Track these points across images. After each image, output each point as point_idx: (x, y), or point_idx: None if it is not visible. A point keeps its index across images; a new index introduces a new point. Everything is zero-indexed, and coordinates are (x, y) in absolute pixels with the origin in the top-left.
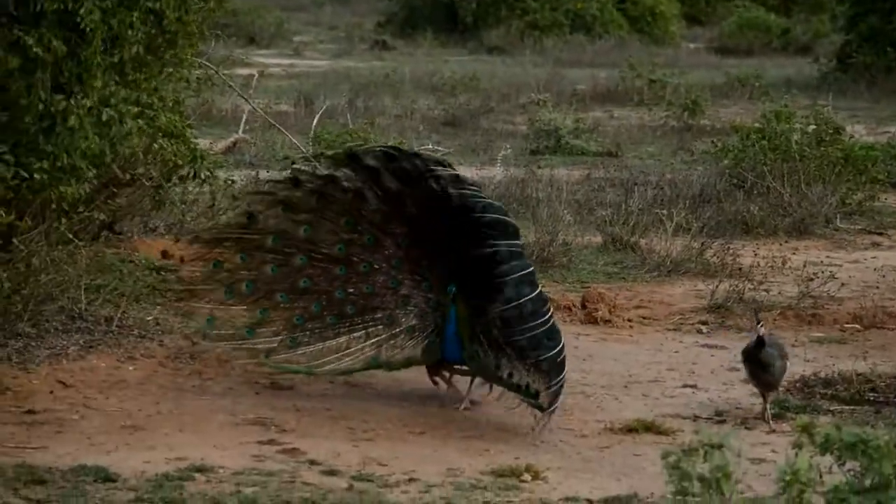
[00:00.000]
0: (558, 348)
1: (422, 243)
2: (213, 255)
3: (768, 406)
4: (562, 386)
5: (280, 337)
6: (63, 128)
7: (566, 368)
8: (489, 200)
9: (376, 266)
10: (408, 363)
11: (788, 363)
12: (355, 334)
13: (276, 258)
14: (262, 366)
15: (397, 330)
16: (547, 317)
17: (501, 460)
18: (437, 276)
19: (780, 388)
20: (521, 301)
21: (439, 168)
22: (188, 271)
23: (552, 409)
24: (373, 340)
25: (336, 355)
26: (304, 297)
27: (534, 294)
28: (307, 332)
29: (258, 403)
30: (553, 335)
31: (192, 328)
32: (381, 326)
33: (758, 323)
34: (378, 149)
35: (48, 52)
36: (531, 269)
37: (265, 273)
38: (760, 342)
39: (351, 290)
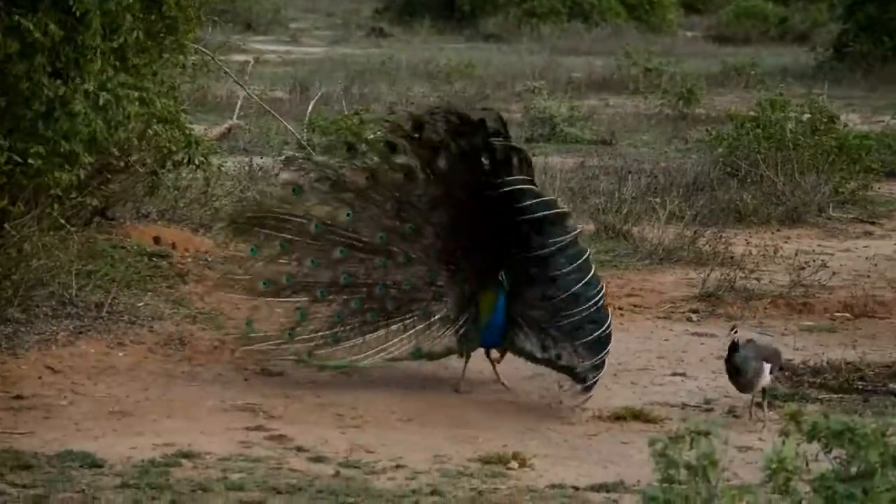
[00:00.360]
0: (605, 326)
1: (463, 232)
2: (250, 239)
3: (756, 402)
4: (604, 362)
5: (320, 334)
6: (63, 113)
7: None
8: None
9: (414, 257)
10: (447, 352)
11: (772, 364)
12: (393, 327)
13: (317, 249)
14: (305, 365)
15: (433, 320)
16: (597, 298)
17: (488, 447)
18: (475, 266)
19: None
20: (575, 289)
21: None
22: (221, 259)
23: (593, 384)
24: (410, 332)
25: (376, 348)
26: (345, 293)
27: (586, 279)
28: (347, 328)
29: (247, 390)
30: (600, 314)
31: (181, 315)
32: (416, 318)
33: (732, 330)
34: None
35: (46, 37)
36: (586, 253)
37: (305, 265)
38: (733, 347)
39: (391, 285)
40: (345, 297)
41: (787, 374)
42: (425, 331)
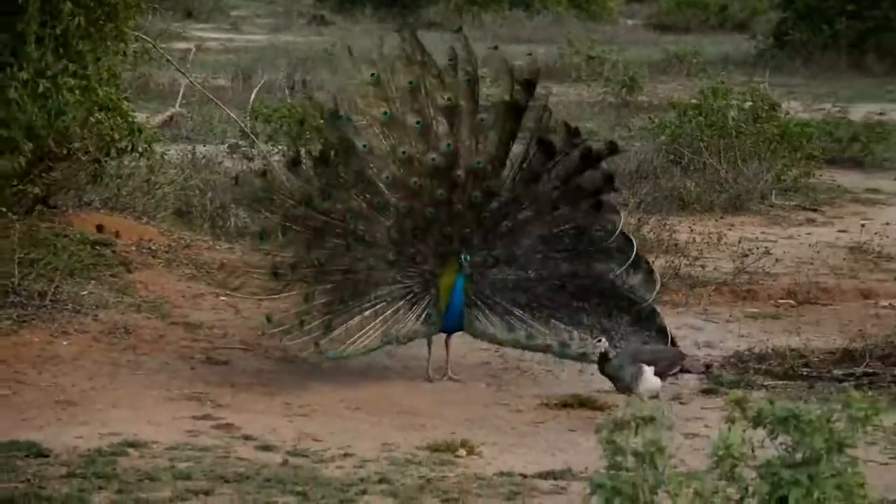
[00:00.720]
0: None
1: (422, 212)
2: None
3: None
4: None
5: (321, 321)
6: (0, 101)
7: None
8: None
9: (377, 238)
10: (414, 336)
11: (658, 367)
12: (366, 314)
13: (304, 232)
14: (317, 356)
15: (398, 305)
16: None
17: (436, 436)
18: (436, 247)
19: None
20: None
21: None
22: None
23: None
24: (380, 318)
25: (357, 335)
26: (329, 276)
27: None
28: (335, 315)
29: (193, 379)
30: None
31: (127, 303)
32: (384, 303)
33: (598, 341)
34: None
35: None
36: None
37: (298, 252)
38: (602, 358)
39: (359, 267)
40: (328, 280)
41: (700, 373)
42: (393, 315)
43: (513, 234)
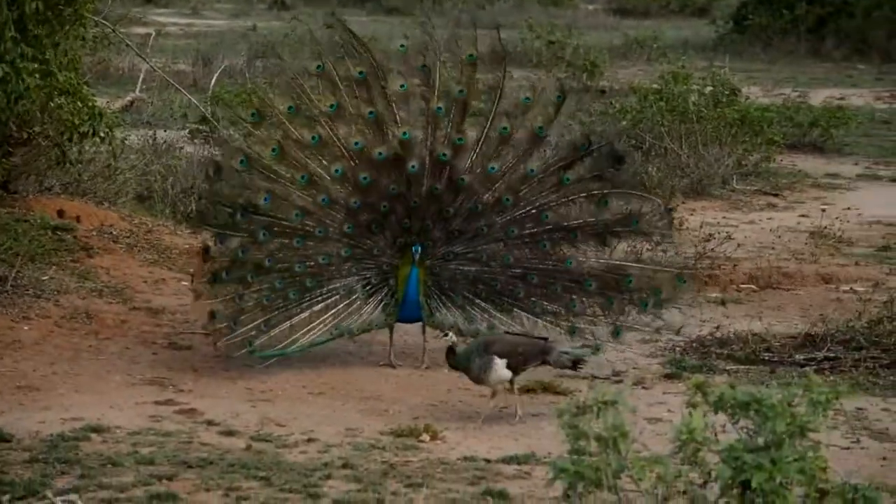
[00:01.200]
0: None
1: (379, 205)
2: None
3: (507, 389)
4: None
5: (257, 322)
6: None
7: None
8: None
9: (329, 232)
10: (368, 327)
11: (512, 359)
12: (315, 308)
13: (242, 238)
14: (250, 355)
15: (353, 297)
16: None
17: (400, 421)
18: (393, 239)
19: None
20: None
21: None
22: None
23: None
24: (332, 312)
25: (302, 331)
26: (269, 276)
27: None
28: (276, 312)
29: (155, 364)
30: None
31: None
32: (337, 297)
33: (444, 335)
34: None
35: None
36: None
37: (236, 255)
38: (449, 352)
39: (310, 263)
40: (269, 279)
41: (566, 368)
42: (346, 308)
43: (473, 225)
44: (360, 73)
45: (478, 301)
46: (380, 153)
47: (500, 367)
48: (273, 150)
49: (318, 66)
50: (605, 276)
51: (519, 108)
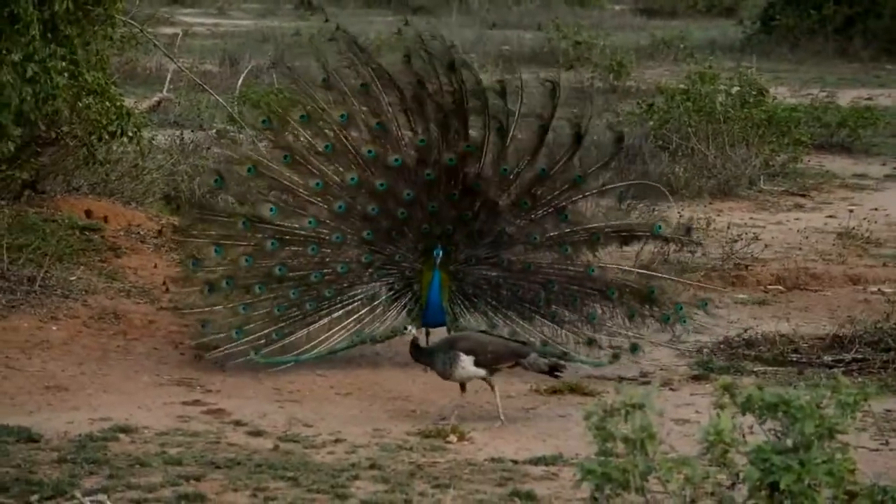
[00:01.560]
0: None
1: (400, 210)
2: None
3: (462, 397)
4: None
5: (266, 331)
6: None
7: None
8: None
9: (347, 239)
10: (392, 333)
11: (479, 356)
12: (336, 314)
13: (248, 246)
14: (255, 363)
15: (376, 303)
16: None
17: (427, 421)
18: (416, 244)
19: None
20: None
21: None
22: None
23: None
24: (354, 318)
25: (320, 338)
26: (282, 285)
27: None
28: (289, 321)
29: (183, 364)
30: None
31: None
32: (359, 303)
33: (405, 329)
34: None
35: None
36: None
37: (240, 265)
38: (412, 345)
39: (326, 272)
40: (282, 289)
41: (542, 372)
42: (369, 314)
43: (493, 228)
44: (363, 84)
45: (501, 307)
46: (396, 159)
47: (467, 364)
48: (285, 157)
49: (324, 79)
50: (628, 285)
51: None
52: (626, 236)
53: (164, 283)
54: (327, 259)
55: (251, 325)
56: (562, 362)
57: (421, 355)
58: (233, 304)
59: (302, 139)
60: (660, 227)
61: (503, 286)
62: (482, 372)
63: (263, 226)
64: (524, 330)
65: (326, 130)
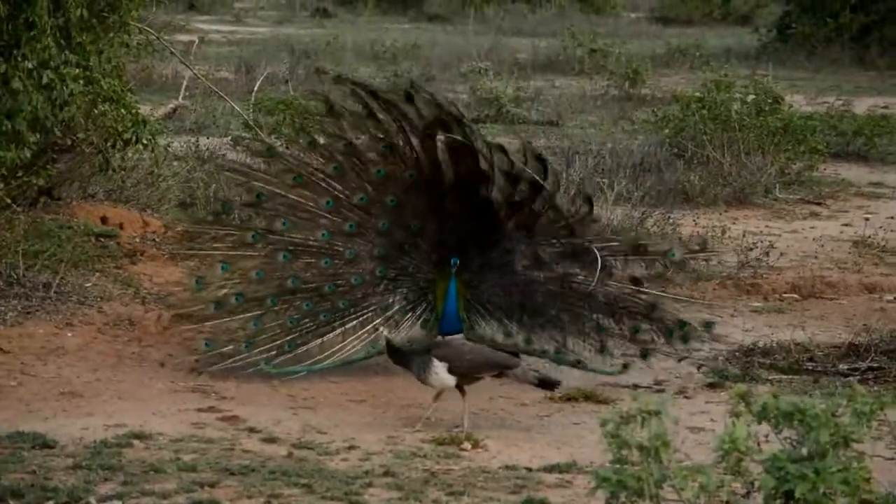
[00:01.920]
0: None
1: (413, 220)
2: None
3: (433, 402)
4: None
5: (278, 343)
6: (6, 91)
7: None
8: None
9: (361, 251)
10: (409, 344)
11: (452, 363)
12: (350, 325)
13: (259, 259)
14: (266, 373)
15: (390, 313)
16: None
17: (442, 429)
18: (430, 253)
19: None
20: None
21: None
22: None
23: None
24: (368, 327)
25: (334, 348)
26: (295, 297)
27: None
28: (302, 332)
29: (197, 371)
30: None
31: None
32: (373, 313)
33: (378, 329)
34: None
35: None
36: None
37: (250, 279)
38: (387, 345)
39: (340, 283)
40: (296, 301)
41: (530, 384)
42: (384, 324)
43: (508, 239)
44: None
45: (514, 314)
46: (411, 174)
47: (440, 370)
48: (296, 177)
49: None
50: (634, 302)
51: None
52: (637, 258)
53: (157, 319)
54: (341, 271)
55: (262, 337)
56: (555, 379)
57: (398, 358)
58: (242, 318)
59: (311, 162)
60: (673, 254)
61: (515, 294)
62: (454, 380)
63: (275, 237)
64: (538, 337)
65: (333, 154)
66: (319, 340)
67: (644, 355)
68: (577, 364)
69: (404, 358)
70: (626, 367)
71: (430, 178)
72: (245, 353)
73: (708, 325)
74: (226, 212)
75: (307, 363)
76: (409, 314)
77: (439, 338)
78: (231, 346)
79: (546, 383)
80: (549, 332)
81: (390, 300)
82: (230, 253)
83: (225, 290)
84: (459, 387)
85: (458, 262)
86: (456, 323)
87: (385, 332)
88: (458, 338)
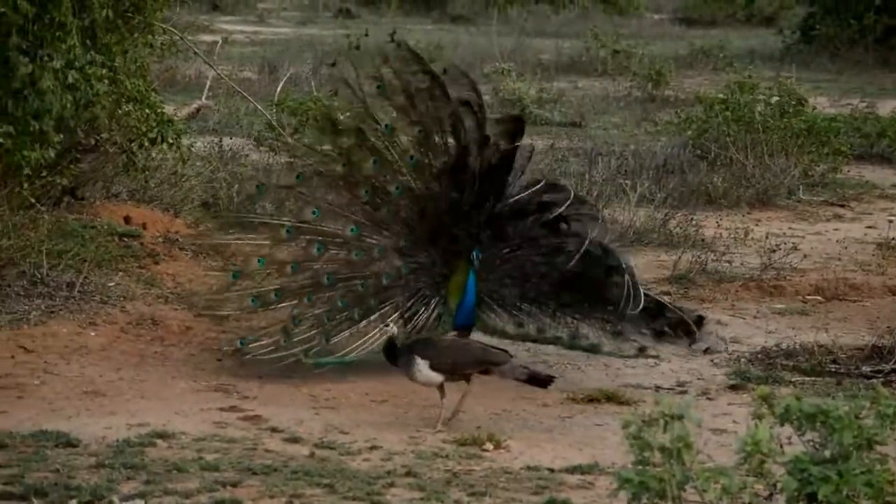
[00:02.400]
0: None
1: (432, 215)
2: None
3: (441, 401)
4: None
5: (314, 332)
6: (32, 92)
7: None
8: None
9: (387, 246)
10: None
11: (432, 360)
12: (373, 318)
13: (293, 251)
14: (304, 365)
15: (408, 306)
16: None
17: (463, 429)
18: (445, 248)
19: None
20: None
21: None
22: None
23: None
24: (388, 321)
25: (360, 341)
26: (331, 292)
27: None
28: (335, 324)
29: (220, 370)
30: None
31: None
32: (392, 307)
33: (385, 326)
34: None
35: (17, 14)
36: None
37: (286, 273)
38: (387, 344)
39: (372, 279)
40: (330, 295)
41: (522, 381)
42: (398, 319)
43: (521, 232)
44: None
45: (524, 304)
46: (444, 161)
47: (422, 367)
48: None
49: (379, 86)
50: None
51: None
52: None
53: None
54: (373, 268)
55: (299, 330)
56: (546, 375)
57: (389, 356)
58: (279, 313)
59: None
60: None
61: (524, 284)
62: (440, 377)
63: (307, 227)
64: (550, 326)
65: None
66: (347, 333)
67: (643, 349)
68: (592, 348)
69: (394, 356)
70: (642, 350)
71: (457, 169)
72: (284, 346)
73: (699, 319)
74: (261, 194)
75: (339, 355)
76: (424, 309)
77: (452, 333)
78: (269, 339)
79: (537, 380)
80: (559, 320)
81: (409, 294)
82: (264, 242)
83: (265, 287)
84: (441, 385)
85: (479, 254)
86: (472, 317)
87: (391, 330)
88: (451, 335)
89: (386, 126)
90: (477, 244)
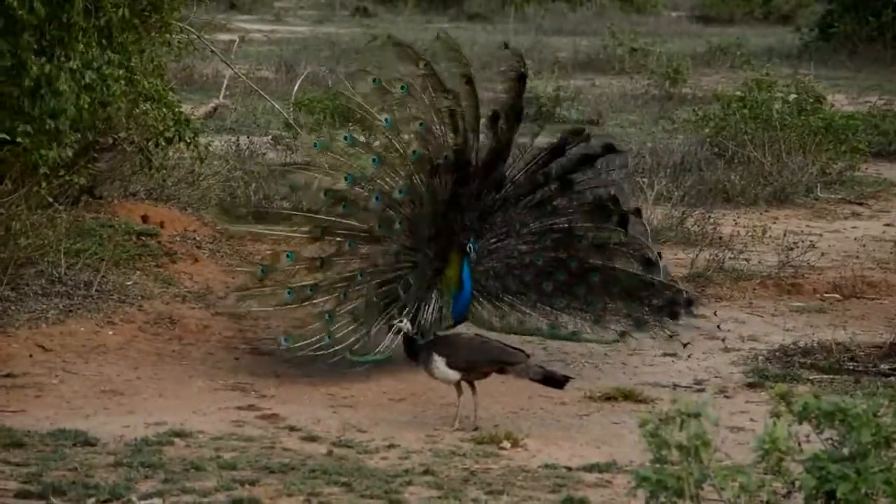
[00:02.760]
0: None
1: (435, 209)
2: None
3: (458, 399)
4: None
5: (352, 328)
6: (49, 91)
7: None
8: None
9: (403, 244)
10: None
11: (449, 358)
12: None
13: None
14: (349, 362)
15: (411, 306)
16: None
17: (481, 427)
18: (442, 241)
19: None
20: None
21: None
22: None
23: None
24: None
25: (383, 339)
26: (362, 288)
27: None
28: (365, 322)
29: (238, 369)
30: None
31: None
32: (406, 304)
33: (399, 321)
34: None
35: (31, 14)
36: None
37: (316, 268)
38: (405, 341)
39: (399, 276)
40: (362, 293)
41: (536, 381)
42: (414, 314)
43: (508, 222)
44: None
45: (508, 295)
46: (446, 156)
47: (440, 364)
48: (346, 178)
49: (403, 87)
50: (630, 281)
51: None
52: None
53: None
54: (402, 265)
55: (339, 327)
56: (562, 375)
57: (410, 353)
58: (317, 310)
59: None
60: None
61: (508, 275)
62: (457, 374)
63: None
64: (532, 318)
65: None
66: (374, 328)
67: (622, 334)
68: (573, 336)
69: (414, 353)
70: (623, 335)
71: (458, 164)
72: (328, 342)
73: (689, 303)
74: (294, 190)
75: (374, 353)
76: (425, 306)
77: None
78: (313, 338)
79: (552, 380)
80: (539, 311)
81: (414, 293)
82: (292, 235)
83: (301, 282)
84: (469, 381)
85: (476, 246)
86: (467, 309)
87: (405, 325)
88: (467, 332)
89: (386, 120)
90: (471, 235)
